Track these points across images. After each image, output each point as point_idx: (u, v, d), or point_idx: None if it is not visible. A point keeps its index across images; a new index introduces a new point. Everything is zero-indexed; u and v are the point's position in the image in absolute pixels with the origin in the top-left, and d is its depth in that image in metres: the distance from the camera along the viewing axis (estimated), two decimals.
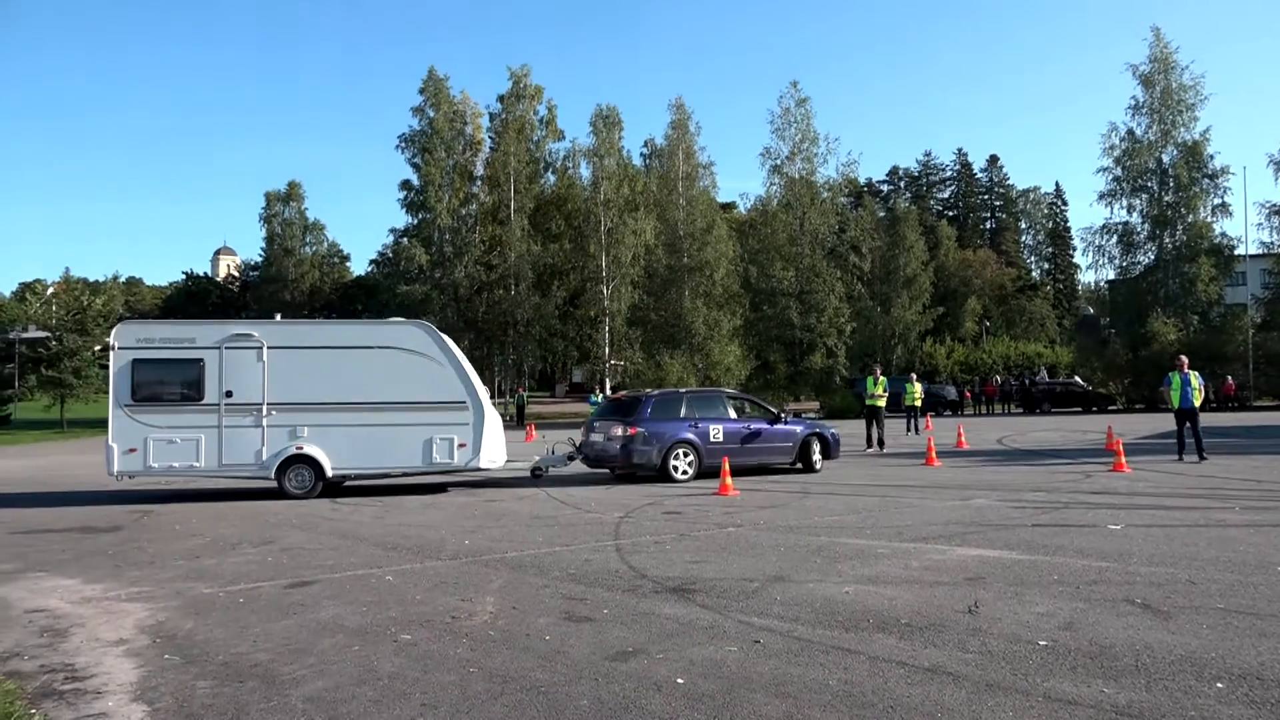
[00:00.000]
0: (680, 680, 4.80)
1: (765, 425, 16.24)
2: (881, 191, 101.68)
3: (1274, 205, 45.44)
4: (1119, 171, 48.64)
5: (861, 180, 76.98)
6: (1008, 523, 9.95)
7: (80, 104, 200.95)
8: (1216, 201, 47.58)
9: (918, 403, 27.95)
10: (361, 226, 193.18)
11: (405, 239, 56.89)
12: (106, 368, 13.95)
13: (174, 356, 14.01)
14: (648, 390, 18.90)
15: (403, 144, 54.78)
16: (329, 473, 14.14)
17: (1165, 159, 47.75)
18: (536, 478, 16.38)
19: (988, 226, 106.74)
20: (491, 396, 56.63)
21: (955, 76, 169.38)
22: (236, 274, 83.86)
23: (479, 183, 55.42)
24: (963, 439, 22.23)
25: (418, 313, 49.37)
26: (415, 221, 55.53)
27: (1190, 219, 47.29)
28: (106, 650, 5.78)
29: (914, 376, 29.30)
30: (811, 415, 41.68)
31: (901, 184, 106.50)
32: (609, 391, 48.63)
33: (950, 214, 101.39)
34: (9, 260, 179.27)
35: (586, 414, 31.42)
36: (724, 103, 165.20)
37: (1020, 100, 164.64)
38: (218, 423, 13.91)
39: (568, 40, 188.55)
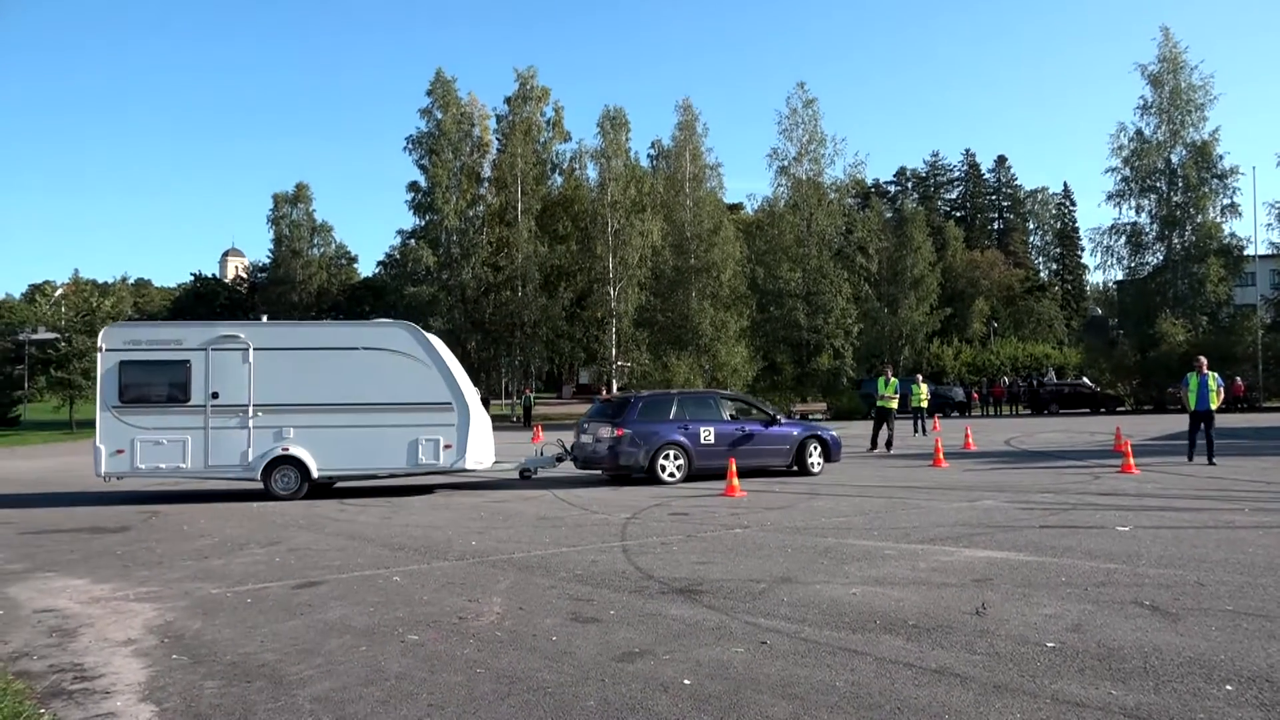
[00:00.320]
0: (687, 681, 4.80)
1: (760, 427, 16.02)
2: (889, 192, 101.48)
3: None
4: (1128, 172, 48.47)
5: (869, 181, 76.90)
6: (1015, 524, 9.92)
7: (89, 105, 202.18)
8: (1225, 202, 47.40)
9: (924, 404, 27.92)
10: (369, 228, 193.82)
11: (413, 240, 57.00)
12: (98, 370, 13.99)
13: (161, 358, 14.07)
14: (638, 391, 18.87)
15: (410, 145, 54.93)
16: (315, 474, 14.16)
17: (1174, 159, 47.57)
18: (525, 479, 16.37)
19: (995, 227, 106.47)
20: (499, 397, 56.88)
21: (963, 77, 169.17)
22: (245, 275, 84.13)
23: (486, 184, 55.51)
24: (970, 440, 22.18)
25: (425, 314, 49.50)
26: (423, 223, 55.65)
27: (1199, 219, 47.09)
28: (115, 650, 5.80)
29: (920, 377, 29.26)
30: (818, 416, 41.62)
31: (909, 185, 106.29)
32: (615, 393, 48.68)
33: (958, 215, 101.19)
34: (18, 262, 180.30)
35: None
36: (731, 104, 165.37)
37: (1028, 100, 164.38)
38: (204, 424, 13.96)
39: (575, 42, 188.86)
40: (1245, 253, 47.88)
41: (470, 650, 5.53)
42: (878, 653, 5.23)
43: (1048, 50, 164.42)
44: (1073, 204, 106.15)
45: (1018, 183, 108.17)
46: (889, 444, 21.00)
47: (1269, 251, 47.41)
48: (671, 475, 15.14)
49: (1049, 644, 5.30)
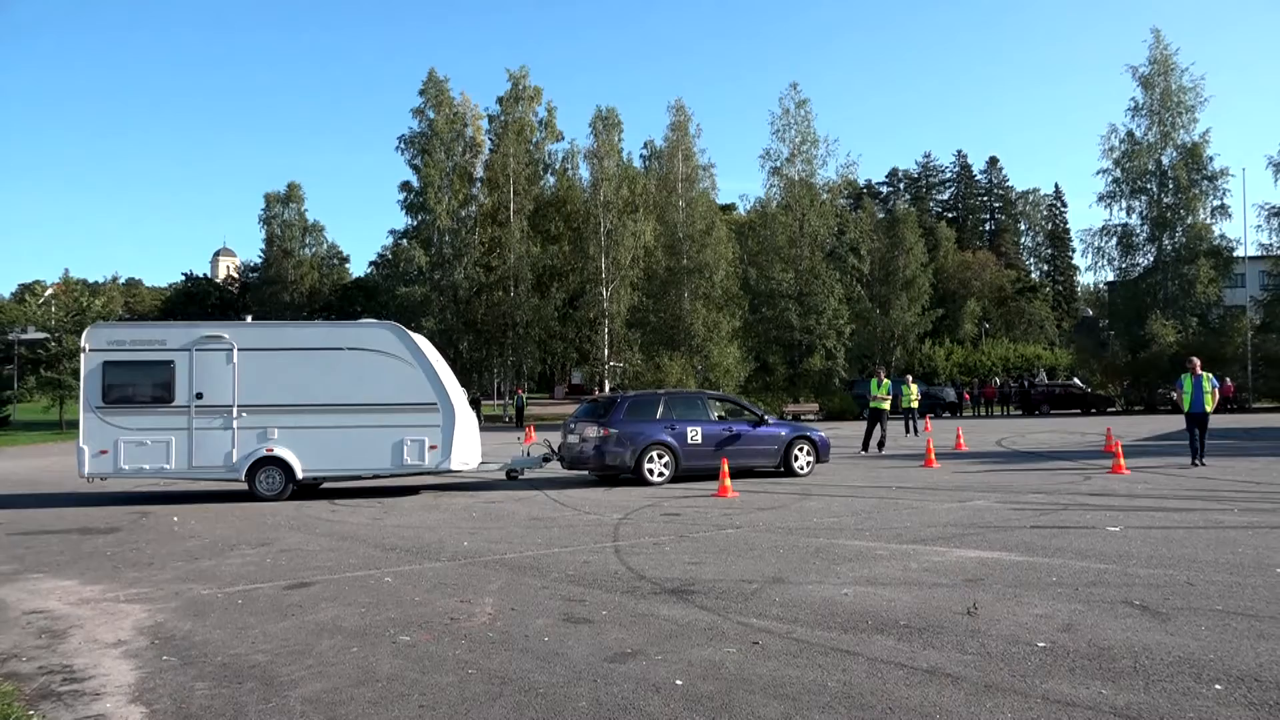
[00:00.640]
0: (679, 682, 4.81)
1: (747, 428, 15.98)
2: (881, 193, 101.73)
3: (1273, 207, 45.50)
4: (1118, 173, 48.72)
5: (861, 182, 77.12)
6: (1007, 524, 9.95)
7: (79, 104, 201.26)
8: (1216, 203, 47.73)
9: (914, 404, 27.99)
10: (361, 228, 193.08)
11: (405, 240, 56.91)
12: (81, 371, 13.92)
13: (144, 358, 14.01)
14: (625, 391, 18.87)
15: (402, 145, 54.85)
16: (299, 475, 14.12)
17: (1165, 161, 47.81)
18: (511, 479, 16.35)
19: (987, 228, 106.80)
20: (491, 398, 56.77)
21: (955, 78, 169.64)
22: (236, 275, 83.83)
23: (478, 184, 55.44)
24: (962, 441, 22.24)
25: (417, 314, 49.42)
26: (415, 223, 55.55)
27: (1190, 221, 47.36)
28: (105, 651, 5.78)
29: (910, 378, 29.33)
30: (811, 417, 41.69)
31: (901, 186, 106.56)
32: (606, 393, 48.67)
33: (949, 216, 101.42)
34: (8, 261, 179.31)
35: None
36: (724, 104, 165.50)
37: (1020, 102, 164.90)
38: (188, 425, 13.90)
39: (568, 42, 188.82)
40: (1235, 254, 48.15)
41: (462, 651, 5.52)
42: (869, 653, 5.24)
43: (1039, 52, 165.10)
44: (1064, 205, 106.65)
45: (1009, 184, 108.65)
46: (880, 444, 21.04)
47: (1259, 253, 47.68)
48: (659, 475, 15.13)
49: (1040, 644, 5.32)
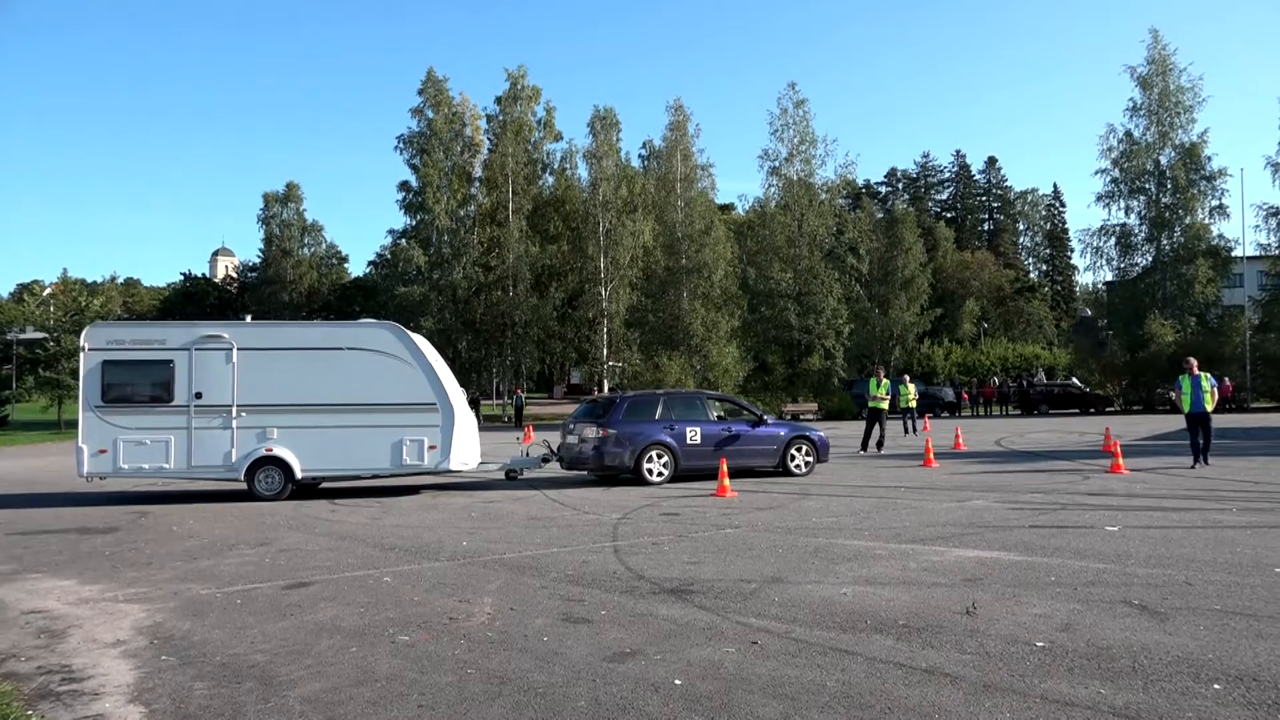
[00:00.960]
0: (678, 681, 4.81)
1: (746, 428, 15.99)
2: (880, 193, 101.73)
3: (1271, 207, 45.55)
4: (1117, 173, 48.77)
5: (860, 182, 77.07)
6: (1005, 524, 9.95)
7: (77, 104, 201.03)
8: (1214, 203, 47.77)
9: (913, 404, 27.99)
10: (360, 228, 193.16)
11: (403, 240, 56.91)
12: (80, 370, 13.91)
13: (144, 358, 14.00)
14: (623, 391, 18.88)
15: (401, 145, 54.84)
16: (298, 474, 14.11)
17: (1163, 161, 47.86)
18: (510, 479, 16.35)
19: (986, 228, 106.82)
20: (490, 398, 56.79)
21: (953, 78, 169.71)
22: (235, 275, 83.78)
23: (477, 184, 55.43)
24: (960, 440, 22.25)
25: (416, 314, 49.42)
26: (414, 223, 55.56)
27: (1188, 221, 47.41)
28: (104, 651, 5.78)
29: (907, 378, 29.34)
30: (810, 417, 41.70)
31: (899, 185, 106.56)
32: (607, 393, 48.67)
33: (948, 215, 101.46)
34: (7, 261, 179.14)
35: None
36: (722, 104, 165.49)
37: (1018, 102, 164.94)
38: (187, 424, 13.90)
39: (567, 41, 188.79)
40: (1233, 254, 48.19)
41: (461, 651, 5.52)
42: (868, 652, 5.24)
43: (1038, 52, 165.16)
44: (1062, 205, 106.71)
45: (1008, 184, 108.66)
46: (880, 444, 21.04)
47: (1257, 253, 47.72)
48: (658, 475, 15.15)
49: (1039, 643, 5.32)
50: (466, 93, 56.84)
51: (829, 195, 51.37)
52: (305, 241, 71.30)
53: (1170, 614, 5.92)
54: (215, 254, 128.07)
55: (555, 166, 58.01)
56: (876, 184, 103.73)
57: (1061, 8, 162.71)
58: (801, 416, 40.91)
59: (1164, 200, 47.84)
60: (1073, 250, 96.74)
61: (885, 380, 21.80)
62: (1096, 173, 49.59)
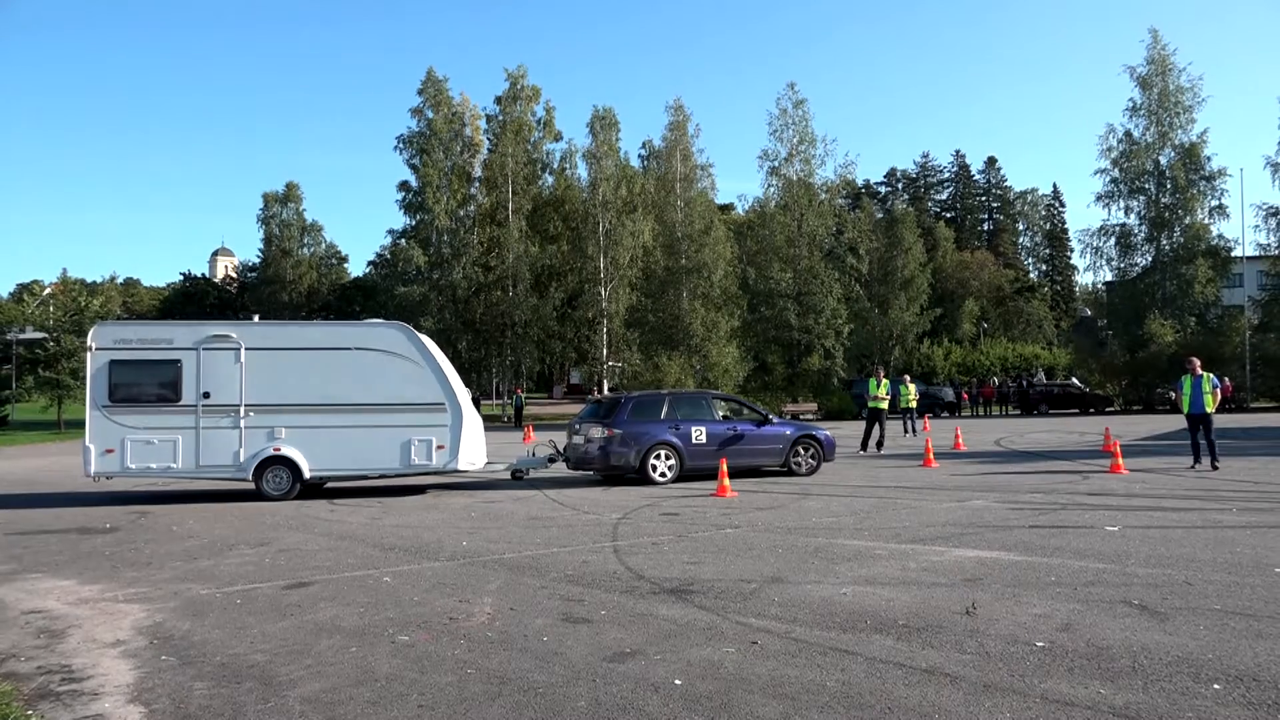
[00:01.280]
0: (678, 681, 4.81)
1: (752, 427, 16.01)
2: (879, 193, 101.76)
3: (1271, 207, 45.57)
4: (1116, 173, 48.80)
5: (859, 182, 77.07)
6: (1005, 524, 9.95)
7: (76, 103, 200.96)
8: (1214, 203, 47.81)
9: (913, 404, 28.00)
10: (359, 228, 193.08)
11: (403, 240, 56.94)
12: (87, 369, 13.90)
13: (151, 357, 13.99)
14: (629, 392, 18.87)
15: (401, 145, 54.85)
16: (307, 474, 14.12)
17: (1163, 161, 47.88)
18: (517, 479, 16.37)
19: (985, 228, 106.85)
20: (490, 398, 56.82)
21: (953, 78, 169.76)
22: (234, 275, 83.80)
23: (477, 184, 55.44)
24: (960, 440, 22.25)
25: (415, 314, 49.41)
26: (413, 223, 55.58)
27: (1188, 221, 47.44)
28: (103, 651, 5.78)
29: (907, 378, 29.34)
30: (809, 417, 41.70)
31: (899, 185, 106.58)
32: (607, 393, 48.67)
33: (948, 215, 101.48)
34: (6, 261, 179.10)
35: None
36: (722, 104, 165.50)
37: (1018, 102, 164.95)
38: (195, 424, 13.88)
39: (566, 41, 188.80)
40: (1233, 254, 48.21)
41: (461, 651, 5.52)
42: (868, 652, 5.24)
43: (1038, 52, 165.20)
44: (1062, 205, 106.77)
45: (1007, 184, 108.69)
46: (879, 444, 21.05)
47: (1256, 253, 47.74)
48: (664, 475, 15.17)
49: (1038, 643, 5.32)
50: (466, 93, 56.88)
51: (829, 195, 51.37)
52: (305, 241, 71.32)
53: (1170, 614, 5.92)
54: (215, 254, 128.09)
55: (555, 166, 58.05)
56: (876, 184, 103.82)
57: (1061, 8, 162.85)
58: (801, 416, 40.90)
59: (1164, 200, 47.87)
60: (1072, 250, 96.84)
61: (885, 380, 21.80)
62: (1096, 173, 49.68)
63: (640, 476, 15.19)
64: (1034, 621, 5.82)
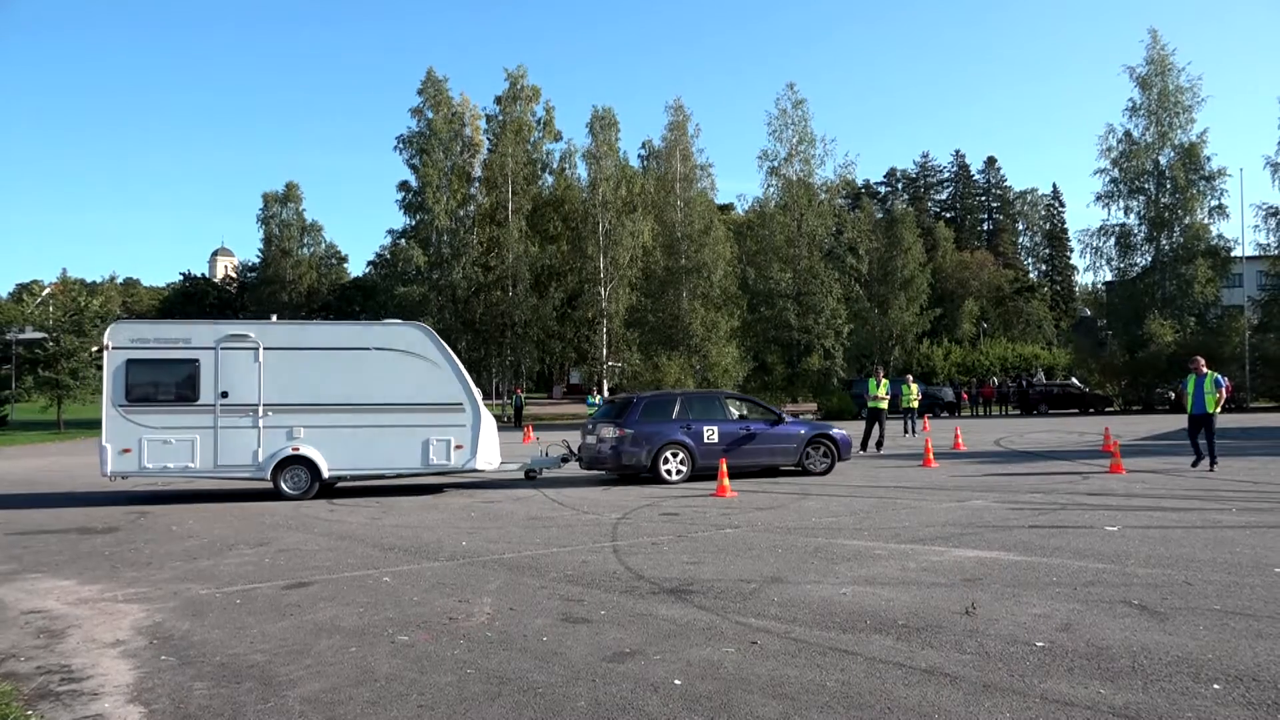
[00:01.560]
0: (678, 681, 4.81)
1: (765, 426, 16.06)
2: (879, 193, 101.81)
3: (1270, 207, 45.59)
4: (1116, 173, 48.81)
5: (859, 182, 77.10)
6: (1005, 524, 9.96)
7: (76, 103, 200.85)
8: (1213, 203, 47.83)
9: (914, 404, 28.00)
10: (359, 228, 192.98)
11: (403, 240, 56.94)
12: (104, 368, 13.88)
13: (169, 357, 13.96)
14: (639, 392, 18.92)
15: (401, 145, 54.86)
16: (325, 474, 14.12)
17: (1162, 161, 47.89)
18: (530, 479, 16.40)
19: (985, 228, 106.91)
20: (489, 398, 56.82)
21: (952, 78, 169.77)
22: (234, 275, 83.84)
23: (477, 184, 55.47)
24: (960, 440, 22.25)
25: (415, 314, 49.38)
26: (413, 223, 55.59)
27: (1187, 221, 47.45)
28: (103, 651, 5.77)
29: (910, 378, 29.34)
30: (809, 417, 41.68)
31: (899, 185, 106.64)
32: (606, 393, 48.69)
33: (948, 215, 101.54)
34: (6, 261, 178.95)
35: (584, 415, 31.42)
36: (722, 104, 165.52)
37: (1018, 102, 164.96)
38: (213, 423, 13.86)
39: (566, 41, 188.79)
40: (1233, 254, 48.23)
41: (460, 651, 5.52)
42: (868, 652, 5.24)
43: (1038, 52, 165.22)
44: (1062, 205, 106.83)
45: (1007, 184, 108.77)
46: (879, 444, 21.05)
47: (1256, 253, 47.76)
48: (676, 474, 15.25)
49: (1038, 643, 5.32)
50: (466, 93, 56.95)
51: (828, 195, 51.40)
52: (305, 241, 71.38)
53: (1170, 614, 5.92)
54: (215, 254, 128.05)
55: (555, 166, 58.10)
56: (876, 184, 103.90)
57: (1061, 8, 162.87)
58: (801, 416, 40.88)
59: (1163, 200, 47.88)
60: (1072, 250, 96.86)
61: (885, 380, 21.81)
62: (1096, 173, 49.69)
63: (652, 476, 15.25)
64: (1034, 621, 5.82)
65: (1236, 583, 6.78)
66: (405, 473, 14.65)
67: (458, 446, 14.29)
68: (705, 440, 15.50)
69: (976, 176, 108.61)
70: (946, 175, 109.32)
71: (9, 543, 10.53)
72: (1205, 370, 15.68)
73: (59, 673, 5.34)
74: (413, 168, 54.31)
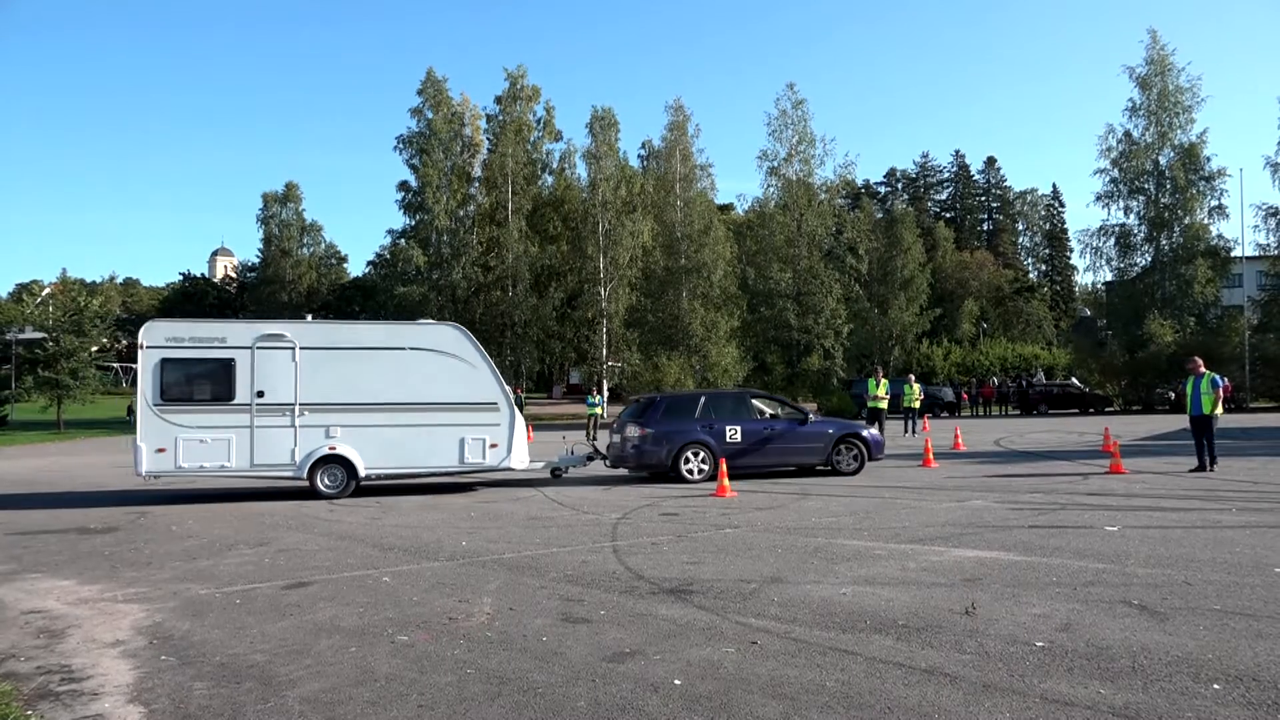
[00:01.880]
0: (678, 681, 4.81)
1: (791, 425, 15.98)
2: (879, 193, 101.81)
3: (1270, 207, 45.55)
4: (1116, 173, 48.79)
5: (859, 182, 77.14)
6: (1005, 524, 9.95)
7: (75, 103, 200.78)
8: (1213, 203, 47.80)
9: (916, 404, 28.00)
10: (359, 228, 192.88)
11: (403, 240, 56.96)
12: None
13: (204, 356, 14.00)
14: (661, 391, 18.99)
15: (400, 145, 54.86)
16: (362, 473, 14.21)
17: (1162, 161, 47.88)
18: (555, 477, 16.53)
19: (985, 228, 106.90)
20: None
21: (952, 78, 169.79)
22: (234, 275, 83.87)
23: (477, 184, 55.48)
24: (960, 441, 22.24)
25: (415, 314, 49.39)
26: (413, 223, 55.62)
27: (1187, 221, 47.43)
28: (103, 651, 5.77)
29: (912, 378, 29.35)
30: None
31: (899, 185, 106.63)
32: (606, 393, 48.71)
33: (948, 215, 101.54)
34: (6, 261, 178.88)
35: (583, 415, 31.42)
36: (722, 104, 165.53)
37: (1017, 102, 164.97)
38: (249, 423, 13.90)
39: (566, 40, 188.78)
40: (1232, 254, 48.23)
41: (460, 651, 5.52)
42: (868, 652, 5.24)
43: (1037, 52, 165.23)
44: (1062, 205, 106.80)
45: (1007, 184, 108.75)
46: None
47: (1256, 253, 47.75)
48: (697, 473, 15.29)
49: (1038, 643, 5.32)
50: (466, 93, 57.03)
51: (828, 195, 51.44)
52: (304, 241, 71.42)
53: (1170, 614, 5.92)
54: (214, 254, 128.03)
55: (554, 166, 58.15)
56: (876, 184, 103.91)
57: (1061, 8, 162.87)
58: None
59: (1163, 200, 47.87)
60: (1072, 250, 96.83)
61: (885, 380, 21.81)
62: (1096, 173, 49.65)
63: (673, 475, 15.30)
64: (1033, 621, 5.82)
65: (1236, 583, 6.78)
66: (440, 472, 14.74)
67: (493, 445, 14.45)
68: (728, 439, 15.50)
69: (976, 176, 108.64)
70: (946, 175, 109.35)
71: (9, 543, 10.53)
72: (1203, 371, 15.49)
73: (59, 673, 5.34)
74: (412, 168, 54.33)
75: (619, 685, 4.77)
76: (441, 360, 14.38)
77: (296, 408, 14.02)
